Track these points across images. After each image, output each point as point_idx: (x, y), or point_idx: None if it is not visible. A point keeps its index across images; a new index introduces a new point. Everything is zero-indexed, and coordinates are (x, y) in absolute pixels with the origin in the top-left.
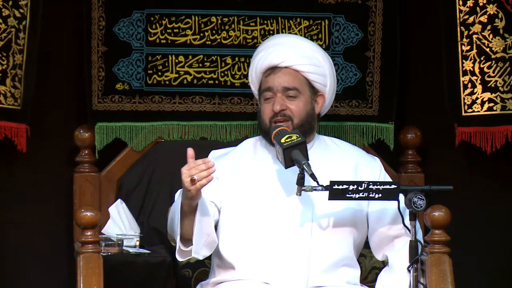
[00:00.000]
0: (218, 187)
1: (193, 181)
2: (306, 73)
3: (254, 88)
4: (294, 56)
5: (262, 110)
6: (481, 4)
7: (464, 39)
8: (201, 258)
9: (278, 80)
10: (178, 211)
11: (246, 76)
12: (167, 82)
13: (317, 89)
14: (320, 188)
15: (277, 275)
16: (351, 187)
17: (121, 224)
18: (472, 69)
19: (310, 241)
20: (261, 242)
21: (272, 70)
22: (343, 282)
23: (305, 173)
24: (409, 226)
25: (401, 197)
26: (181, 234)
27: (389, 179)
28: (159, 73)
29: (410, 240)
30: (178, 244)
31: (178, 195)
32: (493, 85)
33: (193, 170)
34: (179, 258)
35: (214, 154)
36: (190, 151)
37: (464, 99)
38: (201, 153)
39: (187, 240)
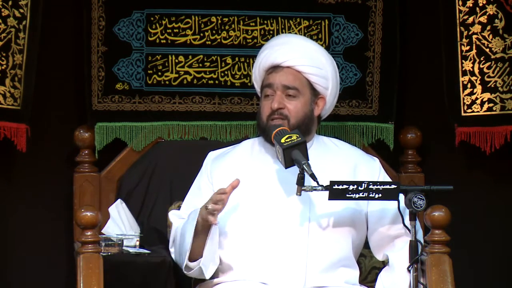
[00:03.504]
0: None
1: (206, 208)
2: (308, 74)
3: (257, 86)
4: (297, 57)
5: (261, 107)
6: (480, 4)
7: (464, 39)
8: (206, 275)
9: (279, 78)
10: (192, 230)
11: (246, 76)
12: (167, 82)
13: (318, 92)
14: (320, 188)
15: (274, 275)
16: (351, 187)
17: (121, 224)
18: (471, 69)
19: (307, 241)
20: (259, 242)
21: (275, 68)
22: (341, 282)
23: (305, 173)
24: (409, 226)
25: (401, 197)
26: (190, 251)
27: (388, 179)
28: (159, 73)
29: (410, 240)
30: (186, 260)
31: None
32: (492, 86)
33: (214, 196)
34: (186, 273)
35: (212, 155)
36: (236, 182)
37: (463, 99)
38: (201, 153)
39: (193, 260)
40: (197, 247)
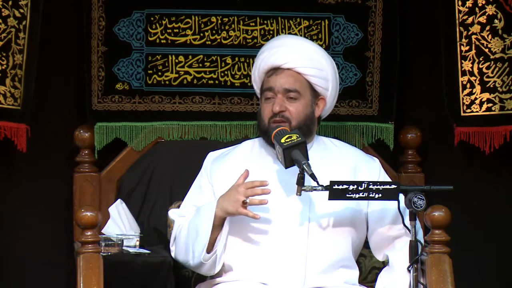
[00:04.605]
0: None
1: (244, 203)
2: (308, 76)
3: (257, 87)
4: (297, 58)
5: (262, 109)
6: (480, 4)
7: (463, 40)
8: (217, 267)
9: (279, 81)
10: (211, 222)
11: (246, 76)
12: (167, 82)
13: (318, 93)
14: (320, 188)
15: (274, 275)
16: (351, 187)
17: (121, 224)
18: (471, 70)
19: (306, 241)
20: (259, 242)
21: (275, 70)
22: (341, 282)
23: (305, 173)
24: (409, 226)
25: (401, 197)
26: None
27: (388, 179)
28: (159, 73)
29: (410, 240)
30: (204, 251)
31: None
32: (491, 86)
33: (248, 191)
34: (196, 268)
35: (211, 156)
36: (246, 173)
37: (463, 99)
38: (201, 153)
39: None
40: (211, 241)
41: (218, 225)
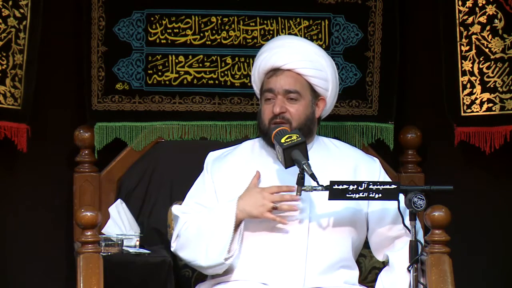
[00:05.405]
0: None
1: (274, 209)
2: (308, 76)
3: (256, 88)
4: (297, 59)
5: (262, 110)
6: (480, 4)
7: (463, 40)
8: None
9: (280, 82)
10: (232, 224)
11: (246, 76)
12: (167, 82)
13: (318, 93)
14: (320, 188)
15: (274, 275)
16: (351, 187)
17: (121, 224)
18: (471, 70)
19: (306, 241)
20: (259, 242)
21: (275, 71)
22: (341, 282)
23: (305, 173)
24: (409, 226)
25: (401, 197)
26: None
27: (388, 179)
28: (159, 73)
29: (410, 240)
30: (225, 252)
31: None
32: (492, 86)
33: (276, 197)
34: (206, 268)
35: (212, 156)
36: (258, 174)
37: (463, 99)
38: (201, 153)
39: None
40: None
41: (235, 227)
